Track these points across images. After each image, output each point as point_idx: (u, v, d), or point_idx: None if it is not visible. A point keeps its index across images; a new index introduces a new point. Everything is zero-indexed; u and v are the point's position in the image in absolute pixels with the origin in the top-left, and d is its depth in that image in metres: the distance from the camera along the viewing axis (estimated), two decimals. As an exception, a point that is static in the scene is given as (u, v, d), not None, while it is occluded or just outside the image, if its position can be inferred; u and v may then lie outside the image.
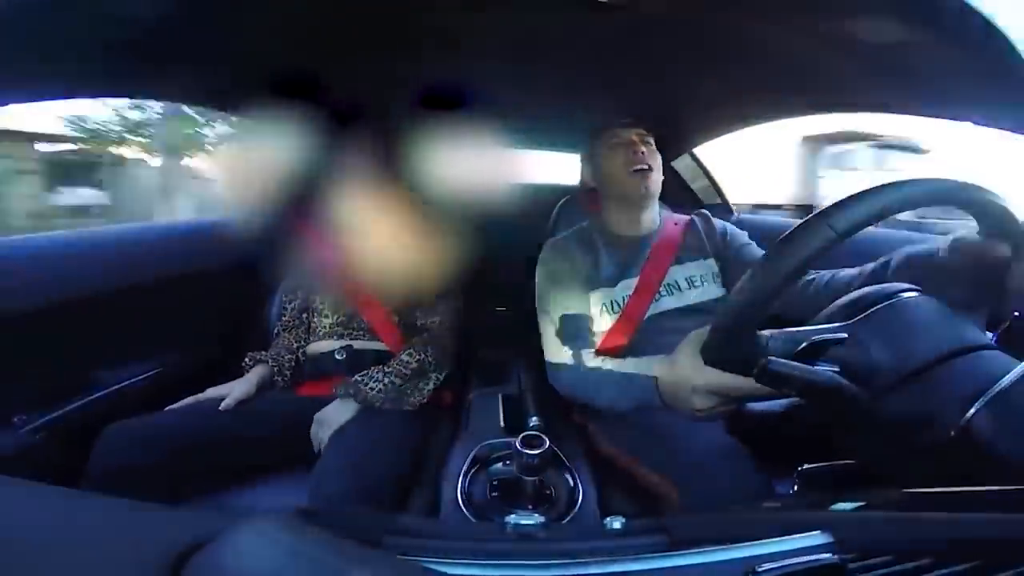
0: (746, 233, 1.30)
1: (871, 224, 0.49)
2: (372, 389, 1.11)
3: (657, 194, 1.24)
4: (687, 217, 1.31)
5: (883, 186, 0.50)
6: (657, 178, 1.22)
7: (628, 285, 1.18)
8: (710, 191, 2.12)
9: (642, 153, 1.18)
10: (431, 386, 1.23)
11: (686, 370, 0.64)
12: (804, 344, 0.54)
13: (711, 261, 1.24)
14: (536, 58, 1.20)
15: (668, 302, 1.16)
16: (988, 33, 0.68)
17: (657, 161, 1.21)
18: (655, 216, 1.29)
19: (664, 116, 1.24)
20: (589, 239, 1.25)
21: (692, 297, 1.17)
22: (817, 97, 1.23)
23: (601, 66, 1.22)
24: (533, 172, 2.44)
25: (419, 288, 1.33)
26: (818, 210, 0.50)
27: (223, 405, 1.06)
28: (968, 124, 0.91)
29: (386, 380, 1.14)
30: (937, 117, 0.96)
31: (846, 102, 1.19)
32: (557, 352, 1.09)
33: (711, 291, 1.19)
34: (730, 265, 1.23)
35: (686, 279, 1.19)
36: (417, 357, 1.21)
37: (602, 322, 1.16)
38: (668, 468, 0.89)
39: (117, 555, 0.33)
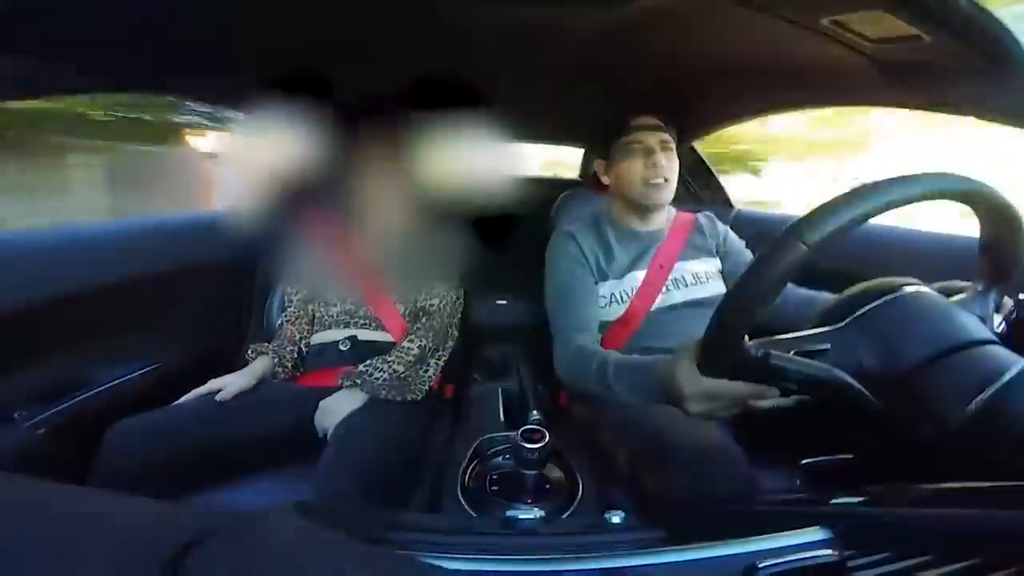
0: (743, 242, 1.32)
1: (845, 233, 0.48)
2: (377, 379, 1.12)
3: (670, 200, 1.24)
4: (692, 215, 1.32)
5: (853, 192, 0.49)
6: (672, 188, 1.21)
7: (636, 277, 1.19)
8: (711, 187, 2.12)
9: (661, 165, 1.17)
10: (431, 373, 1.24)
11: (682, 378, 0.65)
12: (791, 353, 0.54)
13: (715, 259, 1.26)
14: (537, 52, 1.19)
15: (674, 296, 1.17)
16: (989, 29, 0.67)
17: (675, 170, 1.21)
18: (665, 215, 1.29)
19: (663, 110, 1.23)
20: (599, 230, 1.26)
21: (697, 292, 1.18)
22: (820, 91, 1.22)
23: (601, 61, 1.21)
24: (535, 165, 2.43)
25: (423, 278, 1.33)
26: (790, 223, 0.49)
27: (219, 396, 1.06)
28: (969, 120, 0.91)
29: (389, 369, 1.15)
30: (939, 112, 0.95)
31: (848, 96, 1.19)
32: (564, 342, 1.09)
33: (715, 287, 1.21)
34: (727, 268, 1.26)
35: (692, 274, 1.21)
36: (419, 343, 1.22)
37: (609, 312, 1.18)
38: (659, 465, 0.90)
39: (118, 551, 0.33)
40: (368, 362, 1.16)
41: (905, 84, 0.94)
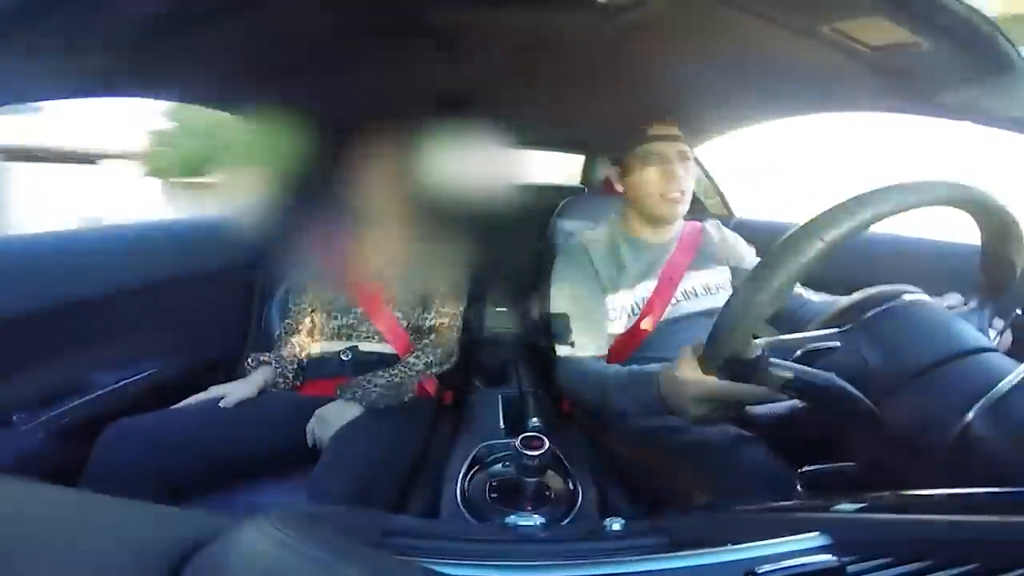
0: (754, 250, 1.30)
1: (861, 231, 0.48)
2: (376, 392, 1.12)
3: (685, 211, 1.21)
4: (700, 224, 1.30)
5: (872, 192, 0.49)
6: (688, 200, 1.18)
7: (647, 288, 1.17)
8: (710, 193, 2.12)
9: (679, 177, 1.14)
10: (426, 372, 1.25)
11: (686, 377, 0.65)
12: (799, 352, 0.54)
13: (725, 268, 1.24)
14: (538, 59, 1.20)
15: (685, 306, 1.16)
16: (988, 33, 0.68)
17: (691, 182, 1.18)
18: (677, 225, 1.26)
19: (664, 116, 1.23)
20: (609, 240, 1.24)
21: (707, 303, 1.17)
22: (817, 97, 1.23)
23: (600, 68, 1.22)
24: (535, 173, 2.43)
25: (425, 289, 1.34)
26: (807, 219, 0.49)
27: (223, 403, 1.06)
28: (968, 124, 0.91)
29: (391, 384, 1.15)
30: (937, 117, 0.96)
31: (846, 102, 1.19)
32: (566, 354, 1.09)
33: (724, 296, 1.18)
34: (737, 275, 1.25)
35: (703, 285, 1.19)
36: (425, 360, 1.22)
37: (618, 323, 1.16)
38: (682, 456, 0.89)
39: (117, 555, 0.32)
40: (368, 375, 1.15)
41: (904, 90, 0.94)
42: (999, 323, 0.66)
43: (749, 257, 1.28)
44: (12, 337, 0.99)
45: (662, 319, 1.15)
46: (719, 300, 1.17)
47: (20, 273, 1.04)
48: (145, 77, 1.05)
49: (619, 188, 1.25)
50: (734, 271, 1.25)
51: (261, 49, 1.06)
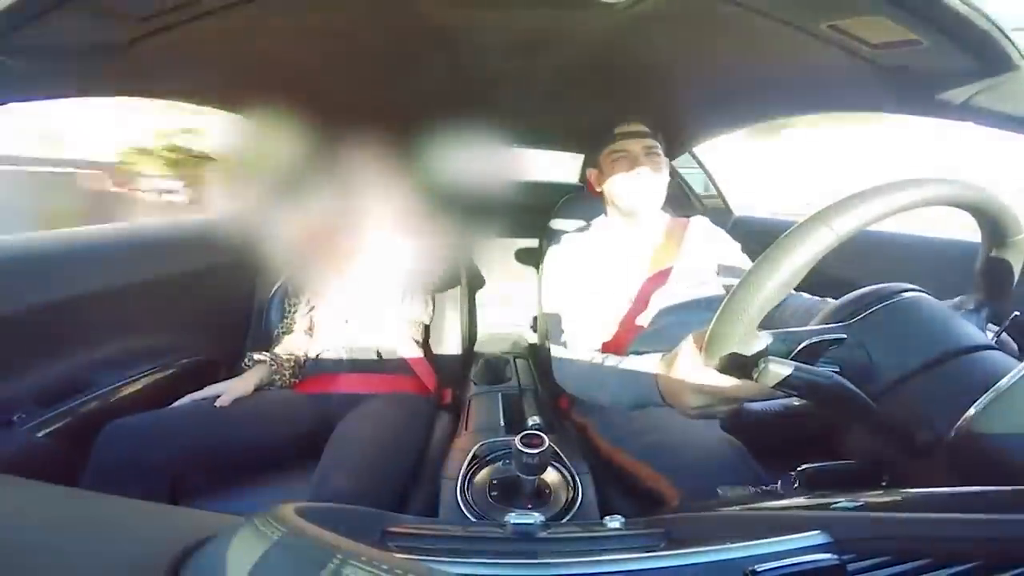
0: (739, 246, 1.32)
1: (871, 224, 0.48)
2: None
3: (660, 205, 1.25)
4: (686, 220, 1.33)
5: (885, 186, 0.49)
6: (659, 193, 1.23)
7: (634, 283, 1.19)
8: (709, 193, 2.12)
9: (646, 172, 1.18)
10: None
11: (685, 369, 0.64)
12: (803, 344, 0.54)
13: (711, 262, 1.26)
14: (535, 58, 1.20)
15: (672, 299, 1.18)
16: (988, 33, 0.68)
17: (661, 176, 1.22)
18: (658, 219, 1.31)
19: (662, 116, 1.23)
20: (597, 237, 1.27)
21: (695, 295, 1.18)
22: (817, 96, 1.23)
23: (600, 65, 1.22)
24: (534, 170, 2.42)
25: (424, 287, 1.34)
26: (818, 210, 0.49)
27: (219, 402, 1.07)
28: (968, 124, 0.91)
29: None
30: (937, 117, 0.95)
31: (846, 102, 1.19)
32: (563, 348, 1.10)
33: (713, 289, 1.21)
34: (723, 272, 1.26)
35: (689, 278, 1.21)
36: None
37: (609, 318, 1.18)
38: (665, 466, 0.89)
39: (117, 554, 0.33)
40: None
41: (904, 90, 0.94)
42: (994, 327, 0.65)
43: (735, 253, 1.30)
44: (12, 336, 0.99)
45: (650, 313, 1.17)
46: (706, 291, 1.20)
47: (20, 272, 1.04)
48: (145, 76, 1.05)
49: (598, 189, 1.31)
50: (720, 267, 1.27)
51: (261, 49, 1.06)
